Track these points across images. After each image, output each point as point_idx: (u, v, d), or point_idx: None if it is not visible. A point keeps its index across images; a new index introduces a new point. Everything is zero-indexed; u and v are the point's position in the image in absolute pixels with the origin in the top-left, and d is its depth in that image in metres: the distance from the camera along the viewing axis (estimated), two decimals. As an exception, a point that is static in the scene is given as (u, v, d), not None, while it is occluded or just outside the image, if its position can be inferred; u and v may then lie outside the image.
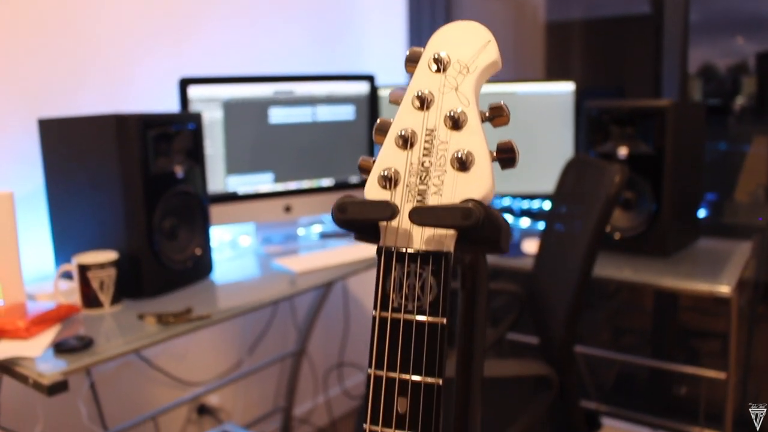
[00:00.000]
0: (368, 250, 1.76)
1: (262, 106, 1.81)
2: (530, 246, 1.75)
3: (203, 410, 2.02)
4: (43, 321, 1.27)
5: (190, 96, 1.71)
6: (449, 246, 0.48)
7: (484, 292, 0.59)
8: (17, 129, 1.55)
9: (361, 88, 1.95)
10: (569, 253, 1.34)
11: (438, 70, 0.54)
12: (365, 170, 0.54)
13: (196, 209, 1.55)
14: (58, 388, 1.10)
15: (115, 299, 1.39)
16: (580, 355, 2.22)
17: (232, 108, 1.76)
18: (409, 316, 0.48)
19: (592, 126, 1.76)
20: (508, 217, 2.15)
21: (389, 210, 0.47)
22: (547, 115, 1.93)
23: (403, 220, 0.50)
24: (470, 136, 0.51)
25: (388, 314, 0.48)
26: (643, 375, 2.38)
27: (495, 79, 0.54)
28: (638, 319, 2.51)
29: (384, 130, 0.55)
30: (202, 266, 1.57)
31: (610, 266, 1.63)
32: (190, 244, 1.54)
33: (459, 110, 0.52)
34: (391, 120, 0.55)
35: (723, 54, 2.25)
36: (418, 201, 0.50)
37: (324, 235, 1.97)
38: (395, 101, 0.56)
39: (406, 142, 0.52)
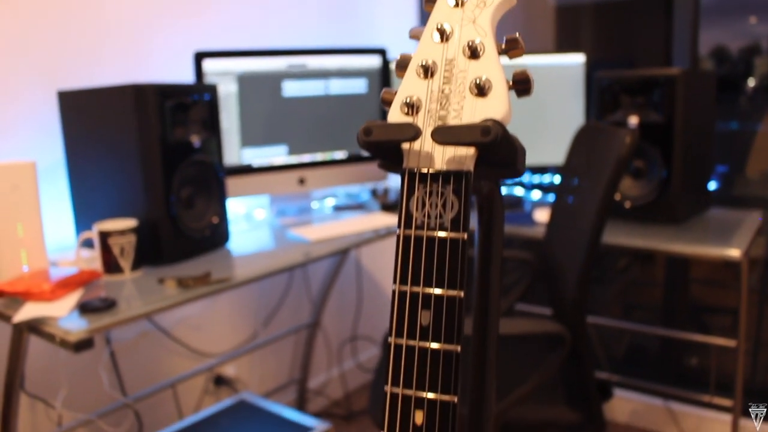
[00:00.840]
0: (381, 220, 1.78)
1: (275, 79, 1.83)
2: (542, 215, 1.77)
3: (220, 381, 2.05)
4: (66, 285, 1.30)
5: (205, 69, 1.74)
6: (469, 166, 0.50)
7: (500, 222, 0.61)
8: (38, 102, 1.58)
9: (373, 61, 1.97)
10: (580, 217, 1.35)
11: (456, 5, 0.56)
12: (387, 102, 0.56)
13: (212, 178, 1.57)
14: (83, 345, 1.13)
15: (135, 265, 1.42)
16: (592, 326, 2.24)
17: (246, 81, 1.79)
18: (431, 233, 0.50)
19: (602, 96, 1.77)
20: (519, 191, 2.17)
21: (412, 131, 0.50)
22: (558, 87, 1.94)
23: (425, 143, 0.52)
24: (488, 65, 0.53)
25: (412, 232, 0.51)
26: (653, 348, 2.40)
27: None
28: (649, 294, 2.52)
29: (404, 65, 0.57)
30: (219, 235, 1.60)
31: (621, 234, 1.64)
32: (207, 212, 1.57)
33: (477, 41, 0.54)
34: (411, 55, 0.57)
35: (736, 36, 2.25)
36: (438, 125, 0.52)
37: (337, 208, 1.99)
38: (415, 36, 0.58)
39: (426, 71, 0.54)
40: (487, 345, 0.68)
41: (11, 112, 1.54)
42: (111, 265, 1.41)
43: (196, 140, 1.51)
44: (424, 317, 0.50)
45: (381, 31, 2.38)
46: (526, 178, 2.24)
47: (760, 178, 2.26)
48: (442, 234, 0.50)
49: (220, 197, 1.59)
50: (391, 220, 1.78)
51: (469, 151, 0.50)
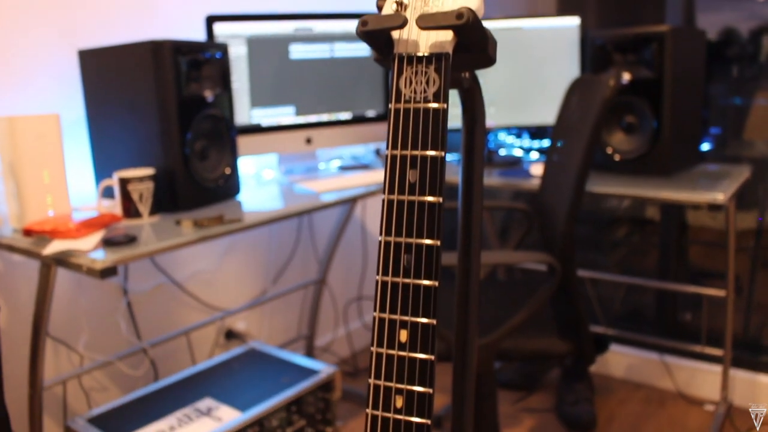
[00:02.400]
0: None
1: (283, 42, 1.92)
2: (537, 169, 1.86)
3: (231, 335, 2.15)
4: (90, 225, 1.40)
5: (216, 32, 1.82)
6: (448, 49, 0.59)
7: (482, 115, 0.70)
8: (58, 62, 1.67)
9: (376, 26, 2.05)
10: (569, 161, 1.44)
11: None
12: (380, 7, 0.65)
13: (224, 132, 1.66)
14: (109, 272, 1.22)
15: (153, 211, 1.52)
16: (589, 281, 2.32)
17: (255, 44, 1.88)
18: (417, 105, 0.59)
19: (596, 55, 1.85)
20: (518, 152, 2.25)
21: (400, 19, 0.59)
22: (554, 49, 2.02)
23: (411, 33, 0.61)
24: (464, -32, 0.62)
25: (401, 105, 0.60)
26: (649, 306, 2.48)
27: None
28: (647, 262, 2.59)
29: None
30: (231, 186, 1.69)
31: (612, 185, 1.73)
32: (220, 164, 1.66)
33: (455, -52, 0.62)
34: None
35: (745, 17, 2.29)
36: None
37: (343, 168, 2.08)
38: None
39: (413, -25, 0.63)
40: (472, 249, 0.77)
41: (32, 72, 1.63)
42: (130, 210, 1.50)
43: (209, 95, 1.60)
44: (412, 175, 0.59)
45: None
46: (526, 142, 2.32)
47: (754, 141, 2.33)
48: (426, 105, 0.59)
49: (232, 150, 1.68)
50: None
51: (447, 36, 0.59)
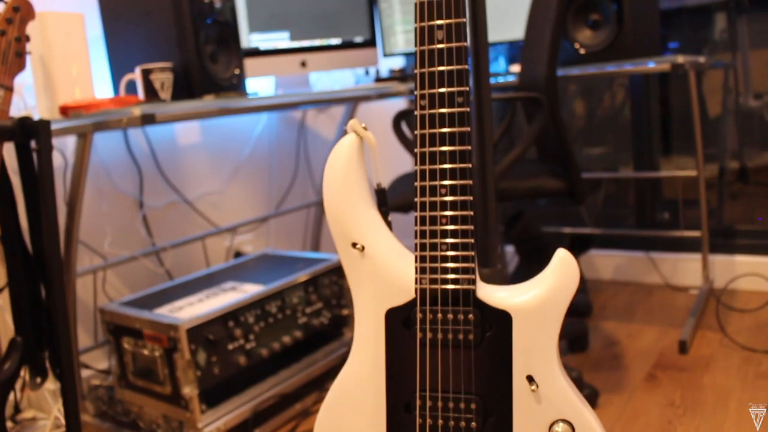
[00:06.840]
0: (379, 84, 2.03)
1: (276, -29, 2.10)
2: (515, 67, 2.04)
3: (239, 255, 2.27)
4: (121, 102, 1.53)
5: (214, -39, 1.99)
6: None
7: None
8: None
9: (359, -43, 2.24)
10: (545, 17, 1.59)
11: None
12: None
13: (230, 38, 1.81)
14: (148, 119, 1.35)
15: (173, 99, 1.66)
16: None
17: (250, -28, 2.05)
18: None
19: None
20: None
21: None
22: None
23: None
24: None
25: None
26: (630, 212, 2.63)
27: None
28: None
29: None
30: (241, 88, 1.84)
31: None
32: (230, 67, 1.80)
33: None
34: None
35: None
36: None
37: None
38: None
39: None
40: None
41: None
42: (153, 98, 1.64)
43: (217, 2, 1.76)
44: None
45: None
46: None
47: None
48: None
49: (239, 55, 1.83)
50: (388, 84, 2.04)
51: None
